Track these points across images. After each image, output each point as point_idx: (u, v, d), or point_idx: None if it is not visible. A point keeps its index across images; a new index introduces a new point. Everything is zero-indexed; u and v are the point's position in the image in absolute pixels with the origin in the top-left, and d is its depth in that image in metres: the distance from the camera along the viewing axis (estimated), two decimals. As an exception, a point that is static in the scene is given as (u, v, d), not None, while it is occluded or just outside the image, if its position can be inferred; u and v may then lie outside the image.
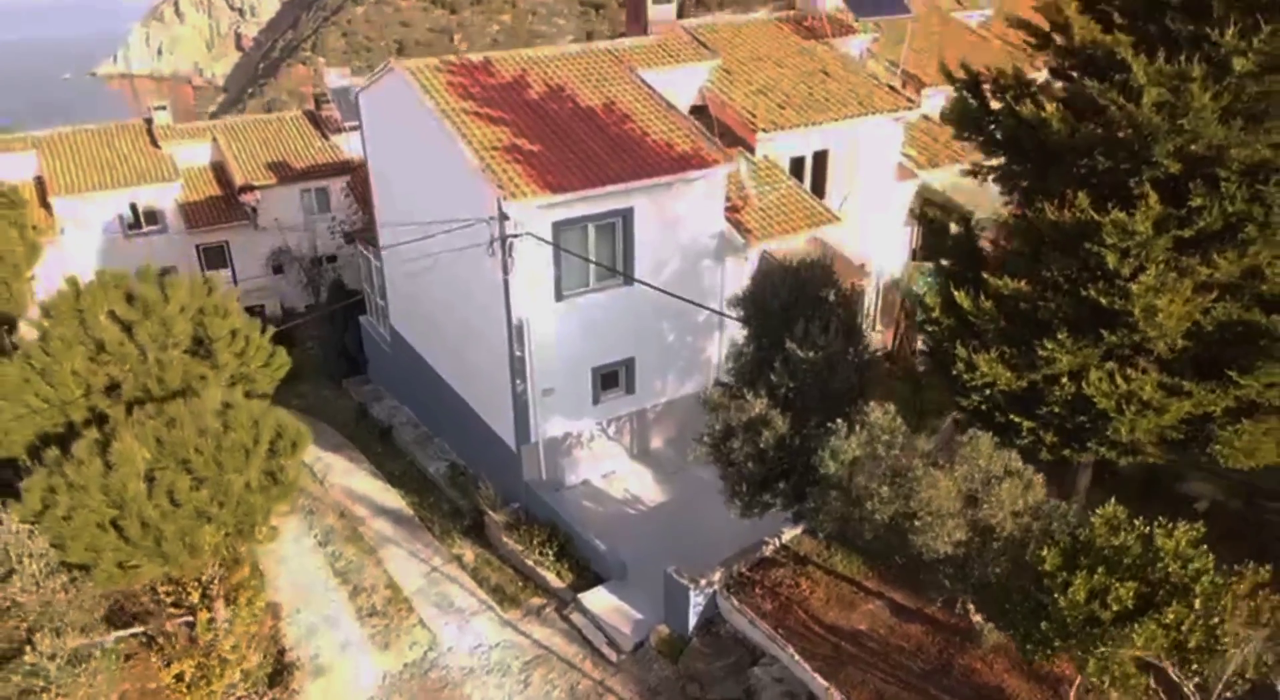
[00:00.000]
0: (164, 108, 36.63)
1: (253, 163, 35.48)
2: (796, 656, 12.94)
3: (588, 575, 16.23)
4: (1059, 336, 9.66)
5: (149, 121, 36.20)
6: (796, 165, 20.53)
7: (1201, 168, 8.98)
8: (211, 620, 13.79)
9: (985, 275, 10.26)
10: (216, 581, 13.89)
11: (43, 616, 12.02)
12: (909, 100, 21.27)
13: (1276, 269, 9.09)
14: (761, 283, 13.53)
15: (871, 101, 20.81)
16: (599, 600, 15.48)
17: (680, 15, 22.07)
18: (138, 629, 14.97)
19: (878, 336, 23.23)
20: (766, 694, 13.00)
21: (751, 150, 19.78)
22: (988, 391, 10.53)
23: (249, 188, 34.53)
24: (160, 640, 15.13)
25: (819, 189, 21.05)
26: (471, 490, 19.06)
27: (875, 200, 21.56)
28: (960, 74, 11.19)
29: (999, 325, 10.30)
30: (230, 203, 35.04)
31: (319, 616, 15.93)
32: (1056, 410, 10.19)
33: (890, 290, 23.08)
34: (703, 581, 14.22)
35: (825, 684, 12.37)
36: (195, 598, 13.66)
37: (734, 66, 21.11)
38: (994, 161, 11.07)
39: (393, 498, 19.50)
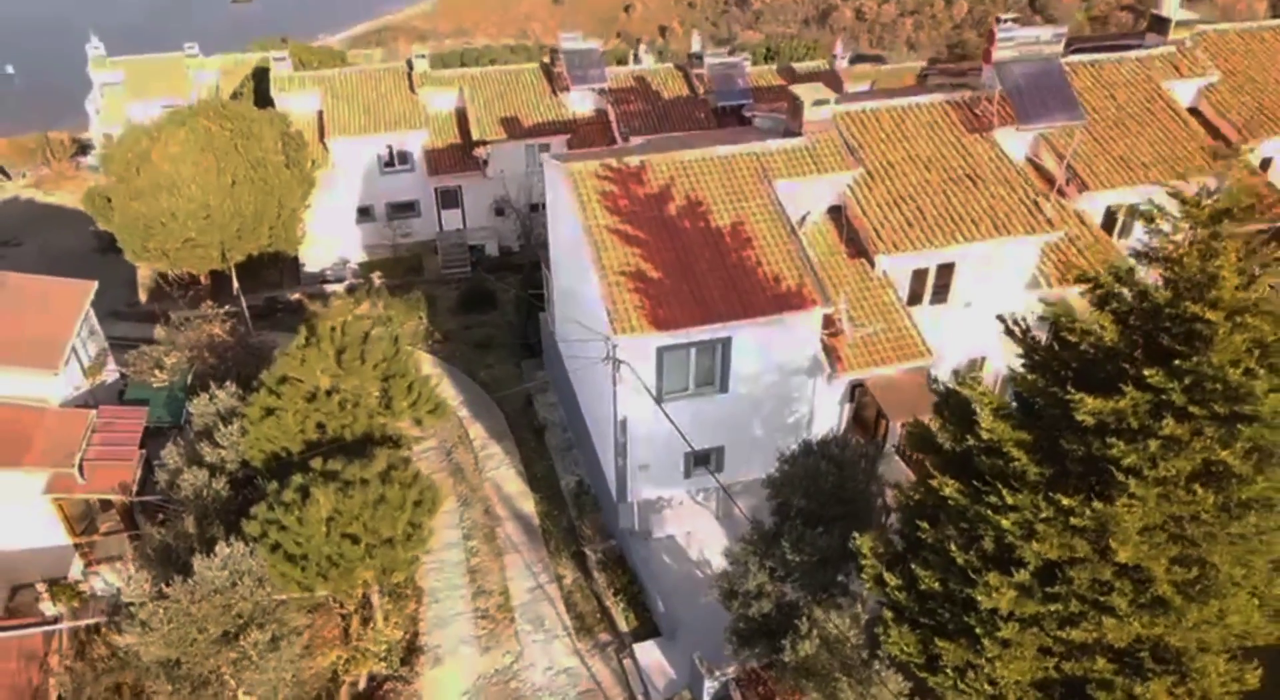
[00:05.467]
0: (424, 56, 41.34)
1: (489, 116, 39.75)
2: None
3: (649, 625, 20.31)
4: (944, 644, 12.05)
5: (410, 64, 41.29)
6: (919, 274, 21.91)
7: (1066, 566, 10.84)
8: (367, 621, 19.30)
9: (886, 576, 12.65)
10: (374, 597, 19.28)
11: (253, 613, 17.77)
12: (1049, 222, 21.70)
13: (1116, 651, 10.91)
14: (787, 471, 16.17)
15: (1008, 222, 21.49)
16: (647, 653, 19.59)
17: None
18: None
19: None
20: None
21: (872, 263, 21.46)
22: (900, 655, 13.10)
23: (482, 142, 39.09)
24: (336, 603, 21.09)
25: (941, 294, 22.37)
26: (588, 512, 23.41)
27: (1002, 304, 22.49)
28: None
29: (913, 608, 12.74)
30: (466, 152, 39.89)
31: (448, 610, 21.19)
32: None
33: (1008, 385, 24.16)
34: (718, 672, 17.90)
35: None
36: (352, 608, 19.15)
37: (878, 169, 22.31)
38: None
39: (529, 504, 24.24)
